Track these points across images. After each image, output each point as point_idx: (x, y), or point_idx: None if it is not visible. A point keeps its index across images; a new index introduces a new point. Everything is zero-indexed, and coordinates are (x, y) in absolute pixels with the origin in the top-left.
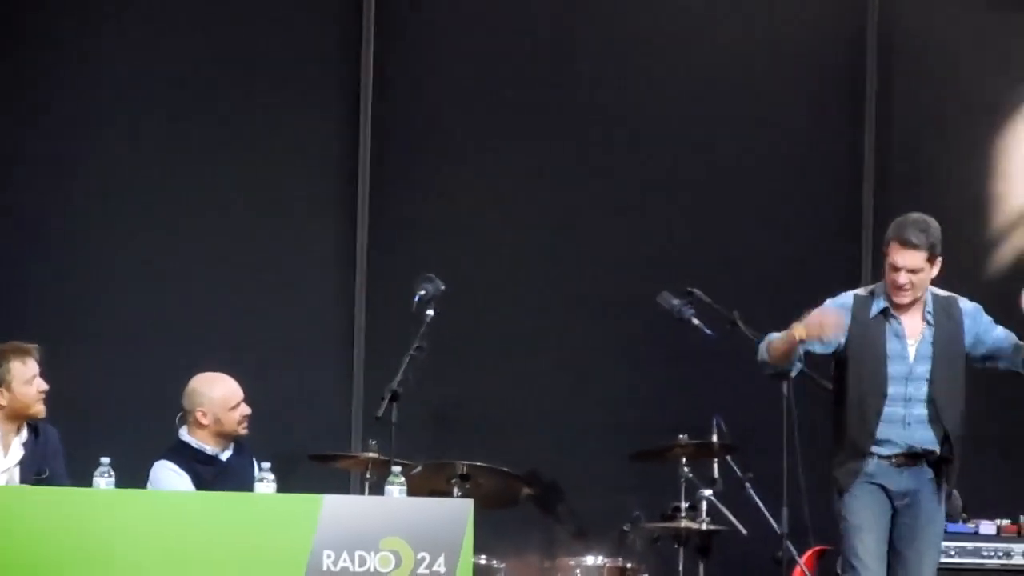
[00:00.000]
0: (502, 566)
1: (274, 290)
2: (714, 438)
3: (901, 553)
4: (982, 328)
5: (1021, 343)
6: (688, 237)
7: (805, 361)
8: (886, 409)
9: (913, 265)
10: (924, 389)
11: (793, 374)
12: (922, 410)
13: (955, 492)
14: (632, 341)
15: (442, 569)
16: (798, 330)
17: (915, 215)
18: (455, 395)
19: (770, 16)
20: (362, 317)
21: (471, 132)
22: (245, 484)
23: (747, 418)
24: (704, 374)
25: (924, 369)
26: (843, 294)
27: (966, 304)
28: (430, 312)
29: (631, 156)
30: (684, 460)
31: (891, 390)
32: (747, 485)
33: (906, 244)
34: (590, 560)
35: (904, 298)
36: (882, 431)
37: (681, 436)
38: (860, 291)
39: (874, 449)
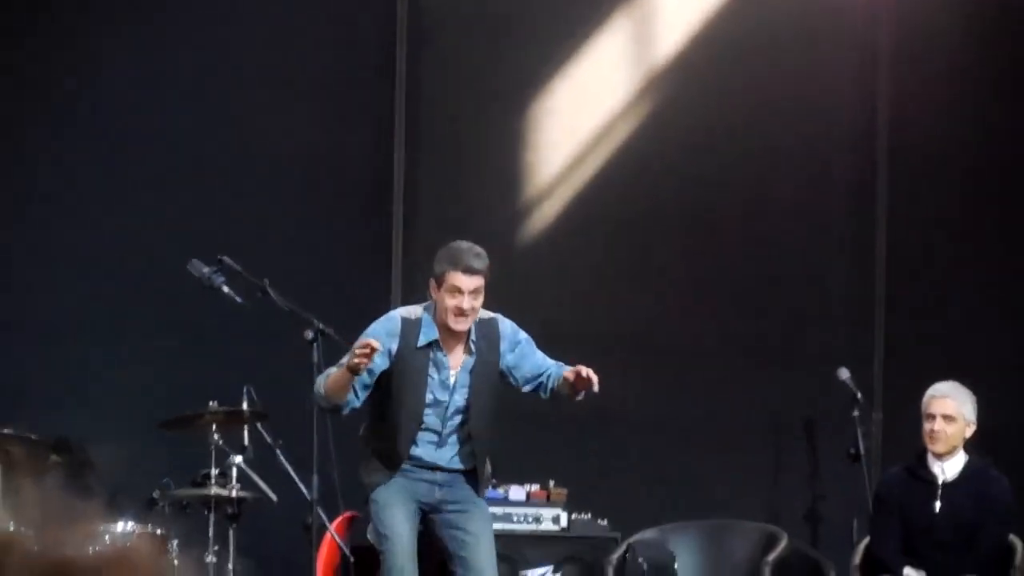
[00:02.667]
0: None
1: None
2: (244, 406)
3: (457, 537)
4: (518, 350)
5: (555, 368)
6: (222, 207)
7: (325, 332)
8: (420, 434)
9: (477, 286)
10: (459, 418)
11: (345, 412)
12: (455, 440)
13: None
14: (161, 311)
15: None
16: (350, 365)
17: (463, 243)
18: None
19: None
20: None
21: None
22: None
23: (278, 387)
24: (235, 343)
25: (460, 398)
26: (391, 315)
27: (504, 325)
28: None
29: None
30: (214, 427)
31: (427, 419)
32: (277, 452)
33: (470, 271)
34: (120, 527)
35: (462, 325)
36: (415, 452)
37: (211, 403)
38: (406, 313)
39: (405, 465)
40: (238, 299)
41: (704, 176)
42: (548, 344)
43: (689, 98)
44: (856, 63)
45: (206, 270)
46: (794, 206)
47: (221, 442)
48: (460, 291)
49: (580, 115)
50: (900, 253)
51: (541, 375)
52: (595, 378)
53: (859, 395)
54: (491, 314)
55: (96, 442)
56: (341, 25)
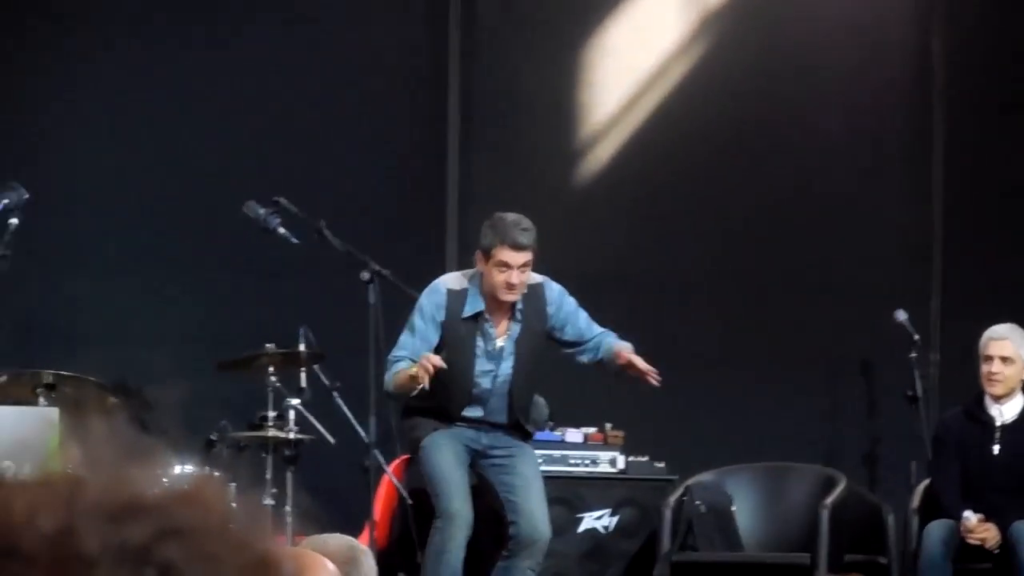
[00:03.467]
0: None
1: None
2: (301, 347)
3: (506, 482)
4: (564, 314)
5: (603, 337)
6: (276, 149)
7: (381, 274)
8: (469, 402)
9: (525, 261)
10: (505, 386)
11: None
12: (501, 401)
13: (540, 399)
14: (218, 252)
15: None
16: (414, 375)
17: (511, 216)
18: (40, 303)
19: None
20: None
21: None
22: None
23: (334, 328)
24: (290, 284)
25: (507, 364)
26: (436, 287)
27: (551, 291)
28: (14, 221)
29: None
30: (271, 369)
31: (476, 390)
32: (335, 394)
33: (518, 247)
34: (178, 468)
35: (512, 297)
36: (465, 413)
37: (268, 345)
38: (451, 283)
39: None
40: (293, 239)
41: (759, 116)
42: (604, 286)
43: (744, 36)
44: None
45: (262, 211)
46: (849, 144)
47: (278, 384)
48: (508, 266)
49: (636, 54)
50: (958, 192)
51: (585, 342)
52: (654, 377)
53: (916, 336)
54: (538, 278)
55: (155, 383)
56: None
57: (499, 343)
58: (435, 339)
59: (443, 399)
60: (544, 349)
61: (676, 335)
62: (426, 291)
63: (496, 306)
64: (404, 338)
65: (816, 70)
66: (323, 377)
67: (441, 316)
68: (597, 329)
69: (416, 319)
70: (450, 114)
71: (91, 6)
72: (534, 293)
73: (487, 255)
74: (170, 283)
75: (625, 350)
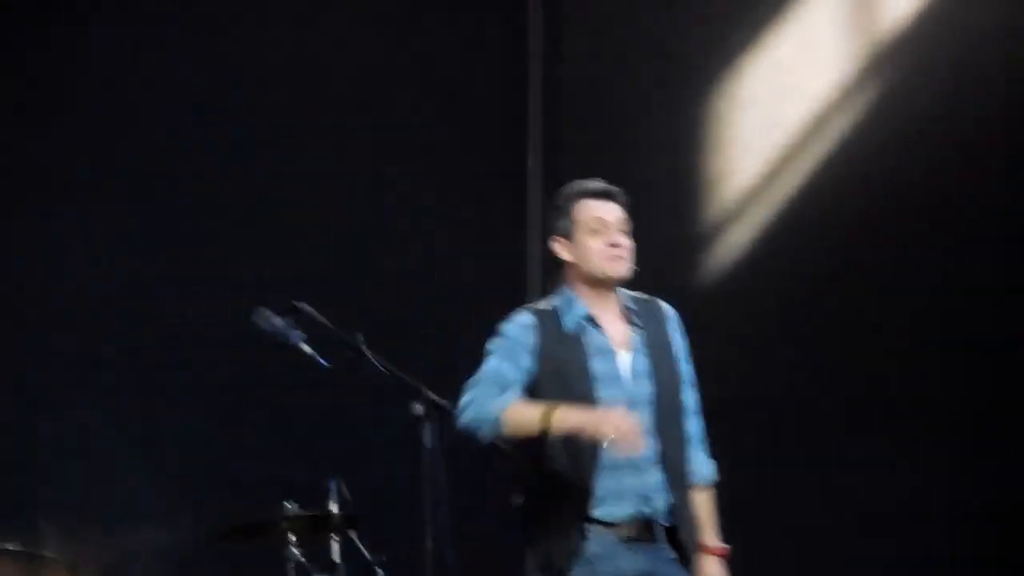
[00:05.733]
0: None
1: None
2: (332, 507)
3: None
4: (682, 350)
5: (696, 452)
6: (291, 240)
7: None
8: (604, 451)
9: (620, 217)
10: (649, 417)
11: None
12: (649, 446)
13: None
14: (216, 377)
15: None
16: (564, 420)
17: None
18: None
19: None
20: None
21: None
22: None
23: (377, 479)
24: (318, 421)
25: (644, 391)
26: (519, 315)
27: (667, 307)
28: None
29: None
30: (293, 538)
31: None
32: (378, 570)
33: (606, 196)
34: None
35: (624, 266)
36: (603, 484)
37: (288, 505)
38: (535, 305)
39: (595, 514)
40: (323, 361)
41: (947, 178)
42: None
43: (923, 79)
44: None
45: (279, 322)
46: None
47: (303, 557)
48: (603, 224)
49: (782, 105)
50: None
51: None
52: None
53: None
54: (642, 293)
55: (133, 561)
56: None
57: (623, 356)
58: (531, 367)
59: (563, 461)
60: (680, 380)
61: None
62: (507, 324)
63: (603, 303)
64: (488, 365)
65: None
66: (362, 548)
67: (534, 339)
68: (696, 424)
69: (498, 343)
70: (529, 193)
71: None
72: (646, 303)
73: (571, 227)
74: (151, 419)
75: (709, 539)
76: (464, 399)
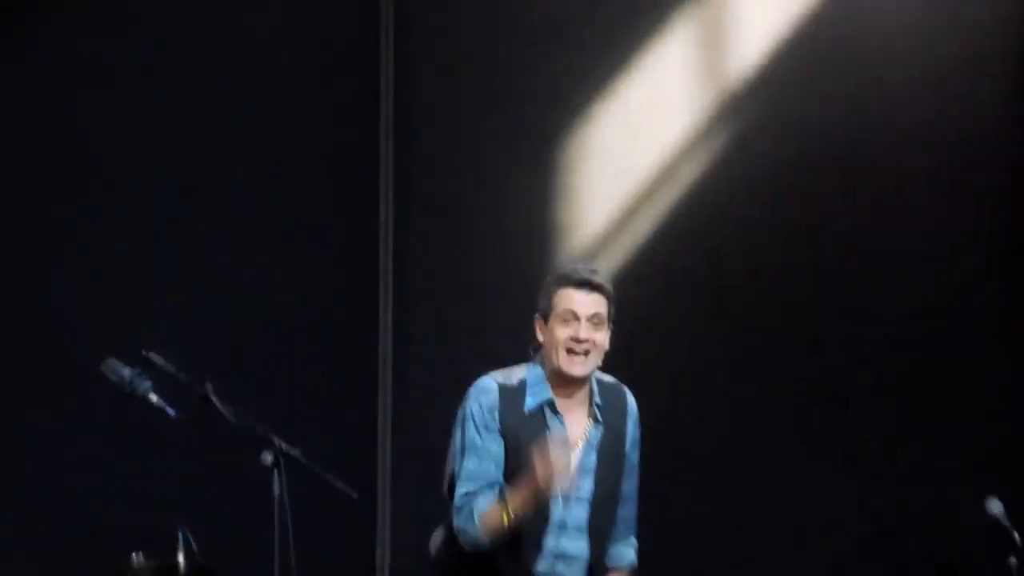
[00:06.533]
0: None
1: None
2: (180, 557)
3: None
4: (633, 453)
5: (626, 548)
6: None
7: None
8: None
9: (596, 310)
10: (583, 513)
11: None
12: (577, 542)
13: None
14: (62, 426)
15: None
16: (513, 505)
17: (575, 260)
18: None
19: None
20: None
21: None
22: None
23: (227, 528)
24: (165, 469)
25: (583, 487)
26: (484, 392)
27: (630, 400)
28: None
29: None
30: None
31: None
32: None
33: (585, 285)
34: None
35: (582, 367)
36: (542, 568)
37: (134, 556)
38: (501, 377)
39: None
40: (170, 410)
41: (794, 223)
42: None
43: (771, 125)
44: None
45: (127, 372)
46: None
47: None
48: (575, 316)
49: (632, 152)
50: None
51: (618, 524)
52: None
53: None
54: (612, 379)
55: None
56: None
57: (575, 451)
58: (501, 453)
59: (509, 542)
60: (622, 480)
61: None
62: (472, 393)
63: (567, 394)
64: (468, 465)
65: (880, 162)
66: None
67: (495, 422)
68: (629, 509)
69: (471, 433)
70: (382, 247)
71: None
72: (614, 391)
73: (546, 312)
74: None
75: None
76: (456, 502)
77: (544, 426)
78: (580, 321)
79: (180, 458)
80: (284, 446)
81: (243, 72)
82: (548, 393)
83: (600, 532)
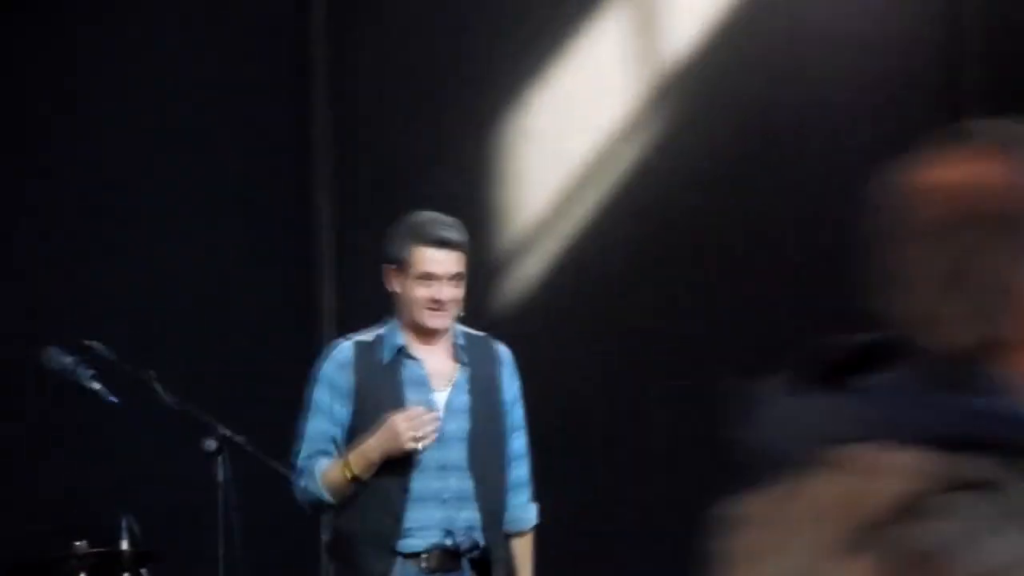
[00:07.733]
0: None
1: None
2: (124, 544)
3: None
4: (512, 395)
5: (521, 507)
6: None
7: (233, 441)
8: (414, 484)
9: (456, 270)
10: (462, 453)
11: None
12: (461, 483)
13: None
14: (4, 413)
15: None
16: (355, 461)
17: (426, 213)
18: None
19: None
20: None
21: None
22: None
23: (171, 515)
24: (108, 457)
25: (459, 427)
26: (338, 350)
27: (502, 348)
28: None
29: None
30: None
31: (420, 456)
32: None
33: (444, 244)
34: None
35: (442, 320)
36: (410, 516)
37: (78, 544)
38: (358, 336)
39: (400, 545)
40: (112, 398)
41: (735, 208)
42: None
43: (718, 99)
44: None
45: (68, 360)
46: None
47: None
48: (434, 276)
49: (568, 137)
50: None
51: (512, 487)
52: None
53: None
54: (478, 331)
55: None
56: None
57: (441, 391)
58: (348, 413)
59: (373, 501)
60: (505, 421)
61: None
62: (324, 352)
63: (423, 338)
64: (308, 426)
65: (810, 144)
66: None
67: (349, 379)
68: (525, 472)
69: (317, 394)
70: (322, 232)
71: None
72: (480, 342)
73: (402, 267)
74: None
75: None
76: (296, 464)
77: (402, 374)
78: (441, 281)
79: (123, 446)
80: (228, 433)
81: (177, 56)
82: (400, 340)
83: (484, 474)
